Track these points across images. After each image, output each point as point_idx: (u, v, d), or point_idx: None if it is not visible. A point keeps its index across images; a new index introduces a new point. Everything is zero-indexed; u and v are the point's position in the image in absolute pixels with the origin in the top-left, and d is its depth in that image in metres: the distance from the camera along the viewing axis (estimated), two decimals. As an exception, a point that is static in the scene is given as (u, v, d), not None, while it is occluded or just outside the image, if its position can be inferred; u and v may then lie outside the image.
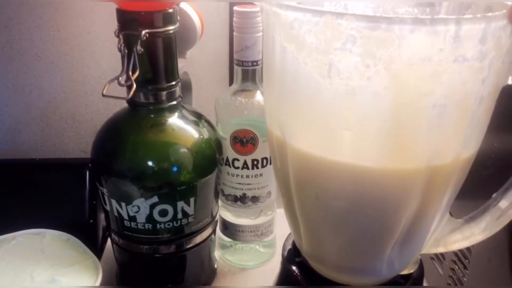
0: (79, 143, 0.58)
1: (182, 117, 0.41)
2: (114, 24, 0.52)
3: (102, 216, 0.54)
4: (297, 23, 0.21)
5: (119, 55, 0.54)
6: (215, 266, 0.49)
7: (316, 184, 0.24)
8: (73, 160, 0.55)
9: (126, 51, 0.36)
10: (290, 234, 0.33)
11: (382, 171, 0.21)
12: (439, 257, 0.39)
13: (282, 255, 0.32)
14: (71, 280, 0.36)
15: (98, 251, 0.50)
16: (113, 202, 0.40)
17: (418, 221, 0.24)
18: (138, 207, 0.39)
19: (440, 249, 0.29)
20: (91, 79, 0.55)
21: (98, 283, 0.36)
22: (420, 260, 0.30)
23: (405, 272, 0.29)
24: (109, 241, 0.53)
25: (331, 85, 0.21)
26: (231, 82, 0.56)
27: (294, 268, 0.30)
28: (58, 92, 0.56)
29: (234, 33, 0.43)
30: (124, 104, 0.41)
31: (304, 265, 0.30)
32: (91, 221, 0.52)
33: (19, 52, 0.53)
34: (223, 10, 0.53)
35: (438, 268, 0.39)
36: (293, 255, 0.31)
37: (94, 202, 0.52)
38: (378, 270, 0.27)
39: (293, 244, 0.31)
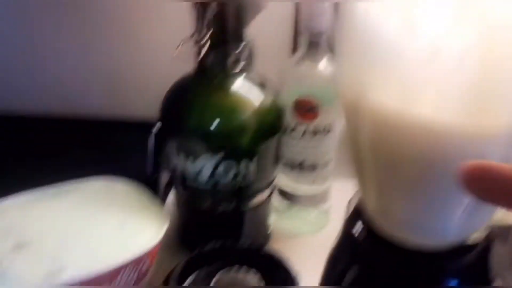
0: (144, 105, 0.61)
1: (248, 82, 0.42)
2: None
3: (164, 174, 0.57)
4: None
5: (187, 20, 0.56)
6: (270, 229, 0.51)
7: (392, 142, 0.24)
8: (139, 120, 0.58)
9: (199, 13, 0.38)
10: (354, 195, 0.33)
11: (461, 128, 0.21)
12: (503, 234, 0.38)
13: (345, 216, 0.33)
14: (140, 226, 0.38)
15: (159, 206, 0.52)
16: (180, 158, 0.42)
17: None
18: (203, 164, 0.41)
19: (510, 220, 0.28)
20: (159, 43, 0.57)
21: (164, 231, 0.38)
22: (491, 228, 0.29)
23: (473, 237, 0.29)
24: (169, 198, 0.56)
25: (415, 40, 0.21)
26: (293, 50, 0.56)
27: (356, 228, 0.31)
28: (126, 55, 0.58)
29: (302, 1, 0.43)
30: (189, 65, 0.42)
31: (367, 227, 0.30)
32: (154, 177, 0.55)
33: (91, 16, 0.56)
34: (290, -22, 0.53)
35: (501, 245, 0.38)
36: (356, 217, 0.31)
37: (158, 160, 0.55)
38: (445, 231, 0.27)
39: (356, 208, 0.32)
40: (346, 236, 0.33)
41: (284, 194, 0.50)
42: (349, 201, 0.33)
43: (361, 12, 0.24)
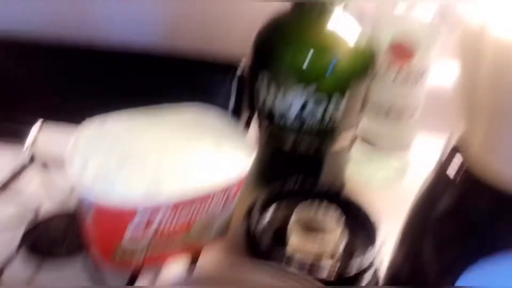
0: (232, 46, 0.61)
1: (345, 19, 0.41)
2: None
3: (245, 113, 0.58)
4: None
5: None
6: (345, 179, 0.50)
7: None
8: (225, 61, 0.58)
9: None
10: (450, 135, 0.32)
11: None
12: None
13: (441, 155, 0.32)
14: (230, 156, 0.39)
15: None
16: (270, 92, 0.42)
17: None
18: (292, 100, 0.41)
19: None
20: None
21: (251, 162, 0.39)
22: None
23: None
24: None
25: None
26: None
27: (452, 168, 0.30)
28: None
29: None
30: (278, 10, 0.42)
31: (464, 168, 0.29)
32: (237, 113, 0.56)
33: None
34: None
35: None
36: (452, 156, 0.30)
37: (240, 100, 0.56)
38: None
39: (455, 145, 0.31)
40: (440, 177, 0.32)
41: (366, 140, 0.50)
42: (447, 140, 0.32)
43: None
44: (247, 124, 0.58)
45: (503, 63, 0.24)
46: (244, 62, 0.56)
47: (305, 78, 0.40)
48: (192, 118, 0.43)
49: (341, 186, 0.50)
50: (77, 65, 0.61)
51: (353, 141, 0.47)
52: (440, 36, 0.43)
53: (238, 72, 0.56)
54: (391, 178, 0.51)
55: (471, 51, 0.26)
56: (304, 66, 0.40)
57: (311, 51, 0.40)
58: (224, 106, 0.56)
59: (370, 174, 0.51)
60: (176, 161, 0.38)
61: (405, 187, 0.50)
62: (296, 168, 0.47)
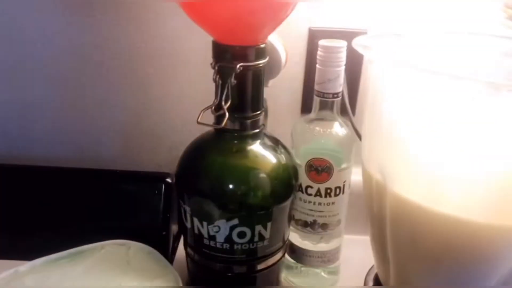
0: (155, 157, 0.62)
1: (263, 144, 0.43)
2: (198, 51, 0.56)
3: (173, 228, 0.57)
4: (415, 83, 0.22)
5: (197, 78, 0.57)
6: (281, 286, 0.51)
7: (415, 229, 0.25)
8: (150, 174, 0.58)
9: (221, 82, 0.39)
10: (371, 268, 0.34)
11: (484, 225, 0.22)
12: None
13: (364, 289, 0.33)
14: (156, 291, 0.38)
15: (168, 261, 0.52)
16: (195, 220, 0.42)
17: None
18: (219, 228, 0.41)
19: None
20: (171, 98, 0.59)
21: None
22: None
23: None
24: (178, 250, 0.56)
25: (441, 144, 0.22)
26: (303, 108, 0.58)
27: (377, 304, 0.31)
28: (140, 108, 0.60)
29: (317, 65, 0.44)
30: (201, 126, 0.43)
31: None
32: (164, 232, 0.55)
33: (109, 70, 0.58)
34: (301, 39, 0.55)
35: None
36: (376, 291, 0.31)
37: (168, 215, 0.55)
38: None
39: (375, 279, 0.32)
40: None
41: (294, 251, 0.51)
42: (367, 274, 0.34)
43: (388, 107, 0.25)
44: (177, 237, 0.57)
45: (402, 220, 0.25)
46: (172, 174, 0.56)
47: (227, 210, 0.40)
48: (113, 255, 0.41)
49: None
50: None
51: (284, 256, 0.47)
52: (356, 147, 0.46)
53: (166, 183, 0.56)
54: (323, 286, 0.51)
55: (377, 201, 0.27)
56: (225, 195, 0.40)
57: (232, 180, 0.41)
58: (153, 218, 0.55)
59: (302, 284, 0.51)
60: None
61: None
62: (228, 288, 0.46)
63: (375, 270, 0.33)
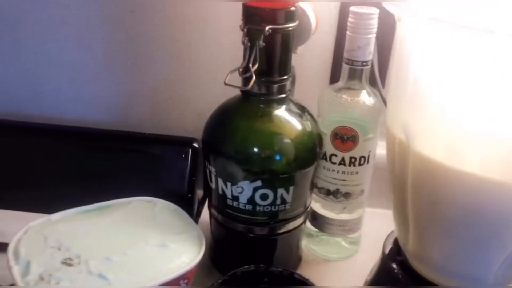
0: (183, 123, 0.63)
1: (289, 109, 0.43)
2: (228, 17, 0.56)
3: (199, 191, 0.58)
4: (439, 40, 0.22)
5: (228, 44, 0.57)
6: (301, 254, 0.51)
7: (436, 190, 0.25)
8: (177, 138, 0.59)
9: (249, 44, 0.39)
10: (391, 233, 0.34)
11: (505, 185, 0.22)
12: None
13: (383, 252, 0.33)
14: (179, 247, 0.39)
15: (193, 221, 0.54)
16: (220, 181, 0.43)
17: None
18: (242, 189, 0.42)
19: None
20: (199, 65, 0.59)
21: (202, 253, 0.39)
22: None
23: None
24: (202, 215, 0.57)
25: (463, 102, 0.22)
26: (332, 79, 0.57)
27: (394, 266, 0.31)
28: (168, 74, 0.60)
29: (348, 32, 0.44)
30: (229, 92, 0.44)
31: (404, 264, 0.31)
32: (190, 195, 0.57)
33: (139, 35, 0.58)
34: (333, 7, 0.54)
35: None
36: (394, 253, 0.32)
37: (194, 178, 0.57)
38: (483, 280, 0.27)
39: (395, 242, 0.33)
40: (383, 272, 0.33)
41: (316, 219, 0.51)
42: (386, 238, 0.34)
43: (414, 63, 0.25)
44: (203, 201, 0.59)
45: (424, 179, 0.25)
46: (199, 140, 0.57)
47: (251, 171, 0.41)
48: (140, 209, 0.43)
49: (295, 265, 0.50)
50: (30, 144, 0.60)
51: (304, 222, 0.48)
52: (382, 118, 0.46)
53: (193, 148, 0.57)
54: (343, 256, 0.52)
55: (400, 163, 0.27)
56: (249, 159, 0.41)
57: (257, 144, 0.41)
58: (178, 184, 0.56)
59: (322, 252, 0.52)
60: (124, 257, 0.37)
61: (356, 264, 0.51)
62: (250, 252, 0.47)
63: (394, 235, 0.33)
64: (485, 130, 0.22)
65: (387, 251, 0.33)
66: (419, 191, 0.26)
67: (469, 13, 0.28)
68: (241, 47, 0.40)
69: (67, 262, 0.35)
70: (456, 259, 0.27)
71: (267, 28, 0.38)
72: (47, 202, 0.46)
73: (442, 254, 0.27)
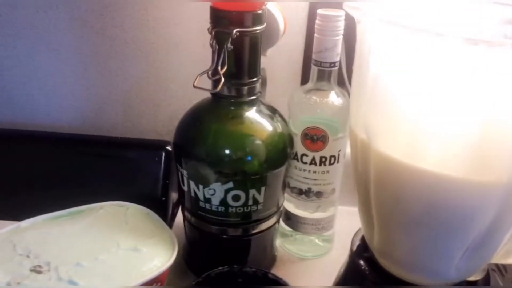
0: (156, 126, 0.63)
1: (260, 111, 0.44)
2: (199, 19, 0.56)
3: (173, 195, 0.58)
4: (399, 40, 0.23)
5: (200, 47, 0.57)
6: (276, 253, 0.52)
7: (397, 187, 0.25)
8: (150, 142, 0.59)
9: (217, 47, 0.39)
10: (358, 230, 0.35)
11: (462, 181, 0.23)
12: (501, 269, 0.39)
13: (351, 249, 0.34)
14: (151, 250, 0.39)
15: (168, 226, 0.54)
16: (192, 183, 0.43)
17: (492, 232, 0.25)
18: (214, 191, 0.42)
19: (510, 261, 0.30)
20: (172, 67, 0.59)
21: (174, 256, 0.39)
22: (488, 269, 0.31)
23: (471, 278, 0.30)
24: (177, 217, 0.57)
25: (423, 101, 0.23)
26: (303, 80, 0.58)
27: (362, 262, 0.32)
28: (141, 77, 0.60)
29: (315, 34, 0.44)
30: (201, 94, 0.44)
31: (372, 261, 0.31)
32: (163, 198, 0.56)
33: (110, 38, 0.58)
34: (302, 9, 0.55)
35: (499, 280, 0.39)
36: (361, 250, 0.33)
37: (167, 181, 0.57)
38: (446, 272, 0.28)
39: (362, 239, 0.33)
40: (351, 269, 0.34)
41: (290, 218, 0.52)
42: (354, 235, 0.35)
43: (372, 64, 0.25)
44: (177, 204, 0.59)
45: (385, 176, 0.26)
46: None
47: (222, 174, 0.41)
48: (111, 215, 0.43)
49: (269, 265, 0.51)
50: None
51: (278, 221, 0.49)
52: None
53: (166, 151, 0.57)
54: (317, 254, 0.53)
55: (362, 162, 0.28)
56: (220, 161, 0.41)
57: (228, 146, 0.41)
58: (151, 188, 0.56)
59: (296, 251, 0.53)
60: (95, 262, 0.37)
61: (330, 262, 0.52)
62: (223, 252, 0.48)
63: (361, 232, 0.34)
64: (440, 128, 0.23)
65: (354, 248, 0.33)
66: (381, 189, 0.27)
67: (427, 15, 0.29)
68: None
69: (36, 269, 0.35)
70: (418, 253, 0.28)
71: (234, 31, 0.38)
72: (16, 209, 0.45)
73: (405, 250, 0.28)
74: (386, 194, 0.27)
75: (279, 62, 0.57)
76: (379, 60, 0.24)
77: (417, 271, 0.29)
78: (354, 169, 0.30)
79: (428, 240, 0.27)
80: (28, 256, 0.36)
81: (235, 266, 0.43)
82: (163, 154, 0.57)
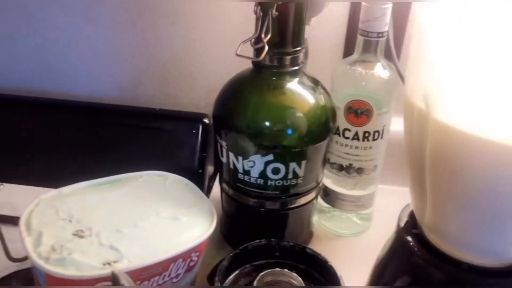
0: (193, 98, 0.62)
1: (302, 83, 0.42)
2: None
3: (210, 167, 0.58)
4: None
5: (240, 19, 0.56)
6: (312, 229, 0.51)
7: (456, 159, 0.24)
8: (188, 114, 0.59)
9: (261, 14, 0.38)
10: (406, 206, 0.33)
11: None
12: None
13: (398, 225, 0.33)
14: (190, 220, 0.39)
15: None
16: (231, 155, 0.42)
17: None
18: (254, 163, 0.41)
19: None
20: (211, 40, 0.58)
21: (214, 226, 0.39)
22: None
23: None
24: (213, 190, 0.57)
25: (488, 68, 0.21)
26: (345, 52, 0.56)
27: (410, 238, 0.30)
28: (179, 49, 0.59)
29: (363, 3, 0.42)
30: (241, 68, 0.43)
31: (420, 237, 0.30)
32: (200, 171, 0.56)
33: (149, 9, 0.57)
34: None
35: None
36: (410, 227, 0.31)
37: (204, 154, 0.56)
38: (501, 252, 0.27)
39: (411, 215, 0.32)
40: (398, 245, 0.33)
41: (328, 195, 0.51)
42: (401, 211, 0.33)
43: (434, 28, 0.24)
44: (213, 177, 0.58)
45: (445, 147, 0.25)
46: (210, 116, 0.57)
47: (262, 145, 0.40)
48: (152, 183, 0.43)
49: (306, 240, 0.50)
50: (40, 119, 0.60)
51: (316, 197, 0.47)
52: (397, 92, 0.44)
53: (204, 124, 0.57)
54: (354, 232, 0.52)
55: (419, 133, 0.27)
56: (261, 132, 0.40)
57: (269, 118, 0.40)
58: (189, 159, 0.56)
59: (334, 228, 0.52)
60: (135, 230, 0.37)
61: (368, 240, 0.51)
62: (261, 225, 0.47)
63: (409, 208, 0.32)
64: (509, 97, 0.21)
65: (402, 224, 0.32)
66: (438, 162, 0.25)
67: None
68: (253, 21, 0.39)
69: (78, 234, 0.35)
70: (474, 232, 0.26)
71: (280, -4, 0.37)
72: (58, 176, 0.46)
73: (459, 227, 0.27)
74: (444, 167, 0.25)
75: (322, 33, 0.55)
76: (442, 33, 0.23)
77: (470, 249, 0.27)
78: (407, 141, 0.29)
79: (485, 218, 0.25)
80: (70, 221, 0.37)
81: (273, 239, 0.42)
82: (200, 126, 0.57)
